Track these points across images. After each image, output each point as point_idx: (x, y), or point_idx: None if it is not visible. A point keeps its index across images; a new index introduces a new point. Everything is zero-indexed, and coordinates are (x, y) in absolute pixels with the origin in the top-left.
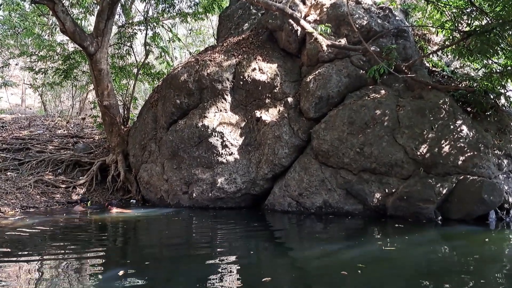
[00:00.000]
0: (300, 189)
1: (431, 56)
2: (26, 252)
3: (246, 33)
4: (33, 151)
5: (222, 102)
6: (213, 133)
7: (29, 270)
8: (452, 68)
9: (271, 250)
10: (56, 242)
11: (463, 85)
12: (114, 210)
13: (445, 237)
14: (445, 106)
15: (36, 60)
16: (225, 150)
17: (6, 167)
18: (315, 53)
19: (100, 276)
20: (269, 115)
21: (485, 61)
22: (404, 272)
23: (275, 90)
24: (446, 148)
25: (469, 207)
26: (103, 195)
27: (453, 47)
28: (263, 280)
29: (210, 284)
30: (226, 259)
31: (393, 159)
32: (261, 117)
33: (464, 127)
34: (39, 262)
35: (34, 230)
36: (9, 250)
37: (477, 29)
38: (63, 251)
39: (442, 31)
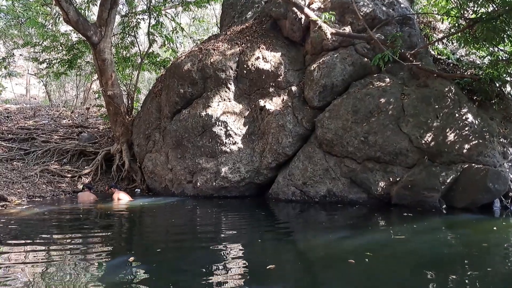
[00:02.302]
0: (304, 178)
1: (436, 44)
2: (33, 241)
3: (249, 21)
4: (38, 141)
5: (226, 91)
6: (217, 122)
7: (36, 258)
8: (458, 56)
9: (276, 238)
10: (62, 231)
11: (469, 73)
12: (117, 193)
13: (450, 226)
14: (450, 94)
15: (40, 50)
16: (229, 139)
17: (12, 157)
18: (319, 41)
19: (107, 264)
20: (273, 104)
21: (491, 49)
22: (411, 260)
23: (279, 79)
24: (451, 137)
25: (474, 195)
26: (108, 184)
27: (459, 34)
28: (267, 267)
29: (215, 271)
30: (231, 247)
31: (397, 147)
32: (264, 106)
33: (469, 116)
34: (46, 250)
35: (41, 219)
36: (17, 238)
37: (483, 16)
38: (69, 240)
39: (447, 19)
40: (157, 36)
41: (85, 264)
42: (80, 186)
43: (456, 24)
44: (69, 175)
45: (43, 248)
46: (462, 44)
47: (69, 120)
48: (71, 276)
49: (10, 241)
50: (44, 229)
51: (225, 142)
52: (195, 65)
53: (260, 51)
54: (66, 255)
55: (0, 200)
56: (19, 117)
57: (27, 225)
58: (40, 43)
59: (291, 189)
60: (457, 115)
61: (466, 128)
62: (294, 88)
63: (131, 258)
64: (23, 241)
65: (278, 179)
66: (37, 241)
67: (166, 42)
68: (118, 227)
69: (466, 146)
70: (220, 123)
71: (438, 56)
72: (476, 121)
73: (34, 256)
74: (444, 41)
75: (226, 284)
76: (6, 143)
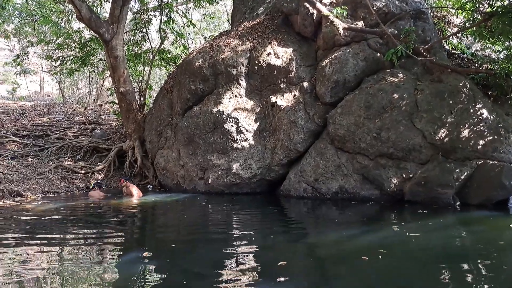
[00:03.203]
0: (316, 174)
1: (450, 38)
2: (48, 236)
3: (260, 17)
4: (52, 138)
5: (237, 88)
6: (228, 119)
7: (51, 252)
8: (473, 51)
9: (287, 235)
10: (76, 226)
11: (484, 68)
12: (131, 186)
13: (465, 223)
14: (465, 89)
15: (54, 48)
16: (240, 136)
17: (27, 153)
18: (331, 36)
19: (121, 259)
20: (284, 100)
21: (506, 43)
22: (425, 257)
23: (291, 75)
24: (466, 133)
25: (489, 192)
26: (122, 177)
27: (474, 28)
28: (279, 264)
29: (226, 267)
30: (243, 243)
31: (411, 143)
32: (276, 102)
33: (484, 111)
34: (61, 245)
35: (55, 214)
36: (32, 233)
37: (499, 9)
38: (84, 235)
39: (462, 13)
40: (168, 33)
41: (99, 259)
42: (91, 183)
43: (471, 18)
44: (83, 171)
45: (58, 242)
46: (477, 38)
47: (82, 117)
48: (85, 270)
49: (26, 236)
50: (59, 225)
51: (236, 139)
52: (206, 61)
53: (272, 47)
54: (81, 250)
55: (15, 196)
56: (33, 114)
57: (43, 220)
58: (53, 40)
59: (302, 185)
60: (471, 110)
61: (481, 124)
62: (305, 84)
63: (146, 253)
64: (39, 236)
65: (290, 175)
66: (53, 235)
67: (177, 39)
68: (131, 223)
69: (481, 142)
70: (231, 120)
71: (453, 51)
72: (491, 117)
73: (50, 251)
74: (459, 35)
75: (239, 280)
76: (21, 140)
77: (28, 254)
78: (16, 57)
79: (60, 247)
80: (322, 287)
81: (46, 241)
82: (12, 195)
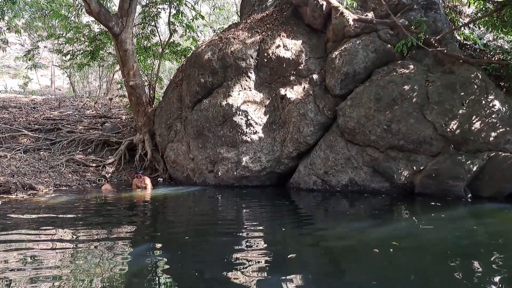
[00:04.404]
0: (326, 167)
1: (462, 28)
2: (60, 228)
3: (269, 9)
4: (63, 131)
5: (246, 80)
6: (238, 111)
7: (63, 244)
8: (485, 41)
9: (297, 227)
10: (88, 219)
11: (496, 58)
12: (146, 178)
13: (477, 215)
14: (476, 80)
15: (64, 42)
16: (250, 129)
17: (39, 147)
18: (340, 28)
19: (132, 251)
20: (293, 93)
21: None
22: (437, 250)
23: (300, 67)
24: (477, 124)
25: (501, 184)
26: (132, 174)
27: (486, 18)
28: (289, 256)
29: (236, 260)
30: (253, 236)
31: (421, 136)
32: (285, 94)
33: (496, 102)
34: (74, 237)
35: (68, 207)
36: (46, 226)
37: None
38: (96, 227)
39: (474, 2)
40: (177, 26)
41: (111, 251)
42: (98, 178)
43: (483, 8)
44: (94, 165)
45: (70, 235)
46: (490, 29)
47: (92, 111)
48: (98, 262)
49: (39, 228)
50: (71, 217)
51: (246, 132)
52: (215, 54)
53: (281, 39)
54: (93, 242)
55: (28, 189)
56: (45, 108)
57: (55, 213)
58: (63, 35)
59: (312, 178)
60: (483, 102)
61: (493, 115)
62: (315, 76)
63: (159, 245)
64: (52, 228)
65: (299, 168)
66: (65, 228)
67: (186, 31)
68: (143, 215)
69: (493, 133)
70: (240, 113)
71: (464, 42)
72: (504, 108)
73: (62, 243)
74: (471, 25)
75: (249, 272)
76: (33, 134)
77: (41, 247)
78: (27, 52)
79: (73, 240)
80: (332, 280)
81: (58, 234)
82: (25, 188)
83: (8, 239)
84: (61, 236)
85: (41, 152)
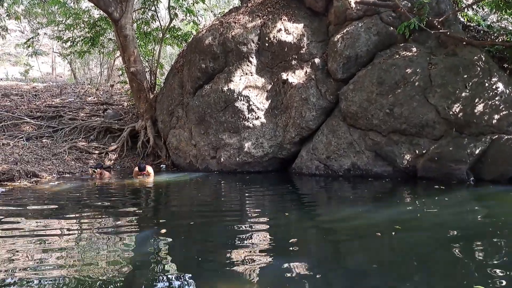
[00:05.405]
0: (328, 152)
1: (466, 10)
2: (64, 215)
3: None
4: (65, 119)
5: (248, 65)
6: (239, 97)
7: (69, 230)
8: (489, 22)
9: (300, 212)
10: (93, 205)
11: (500, 40)
12: (148, 167)
13: (479, 198)
14: (480, 62)
15: (64, 29)
16: (252, 114)
17: (41, 135)
18: (342, 10)
19: (137, 236)
20: (295, 77)
21: None
22: (439, 233)
23: (302, 51)
24: (480, 107)
25: (503, 167)
26: (134, 160)
27: None
28: (292, 241)
29: (240, 245)
30: (256, 221)
31: (424, 119)
32: (287, 79)
33: (500, 85)
34: (79, 223)
35: (72, 194)
36: (50, 212)
37: None
38: (100, 213)
39: None
40: (178, 10)
41: (116, 237)
42: (90, 170)
43: None
44: (96, 152)
45: (76, 221)
46: (493, 10)
47: (94, 98)
48: (103, 248)
49: (44, 215)
50: (76, 204)
51: (248, 117)
52: (216, 39)
53: (282, 22)
54: (98, 228)
55: (31, 176)
56: (46, 96)
57: (59, 200)
58: (63, 21)
59: (314, 163)
60: (487, 84)
61: (497, 98)
62: (317, 60)
63: (163, 231)
64: (56, 215)
65: (302, 153)
66: (70, 215)
67: (187, 15)
68: (146, 201)
69: (496, 116)
70: (242, 98)
71: (468, 23)
72: (507, 90)
73: (68, 229)
74: (474, 7)
75: (252, 257)
76: (35, 121)
77: (46, 232)
78: (28, 39)
79: (77, 226)
80: (334, 263)
81: (63, 221)
82: (28, 175)
83: (14, 227)
84: (66, 222)
85: (44, 140)
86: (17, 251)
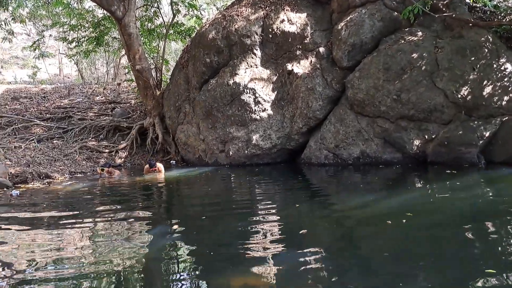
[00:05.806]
0: (337, 140)
1: None
2: (79, 214)
3: None
4: (75, 119)
5: (252, 58)
6: (245, 90)
7: (84, 229)
8: (495, 2)
9: (311, 202)
10: (105, 203)
11: (507, 19)
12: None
13: (491, 181)
14: (487, 44)
15: (68, 29)
16: (258, 106)
17: (52, 136)
18: None
19: (150, 233)
20: (301, 67)
21: None
22: (452, 218)
23: (306, 41)
24: (489, 89)
25: None
26: (144, 157)
27: None
28: (303, 231)
29: (250, 236)
30: (267, 213)
31: (432, 104)
32: (292, 70)
33: (508, 65)
34: (93, 221)
35: (85, 193)
36: (64, 213)
37: None
38: (113, 211)
39: None
40: (180, 5)
41: (129, 234)
42: (98, 170)
43: None
44: (107, 151)
45: (90, 220)
46: None
47: (102, 97)
48: (117, 245)
49: (58, 216)
50: (89, 203)
51: (255, 110)
52: (220, 33)
53: (285, 13)
54: (112, 226)
55: (44, 178)
56: (55, 97)
57: (73, 199)
58: (67, 22)
59: (323, 152)
60: (495, 65)
61: (505, 79)
62: (321, 49)
63: (175, 226)
64: (71, 215)
65: (310, 143)
66: (84, 214)
67: (189, 10)
68: (158, 198)
69: (506, 97)
70: (248, 91)
71: (474, 4)
72: None
73: (82, 227)
74: None
75: (264, 249)
76: (45, 123)
77: (62, 233)
78: (34, 42)
79: (92, 225)
80: (345, 252)
81: (78, 220)
82: (41, 177)
83: (30, 227)
84: (80, 222)
85: (54, 141)
86: (34, 252)
